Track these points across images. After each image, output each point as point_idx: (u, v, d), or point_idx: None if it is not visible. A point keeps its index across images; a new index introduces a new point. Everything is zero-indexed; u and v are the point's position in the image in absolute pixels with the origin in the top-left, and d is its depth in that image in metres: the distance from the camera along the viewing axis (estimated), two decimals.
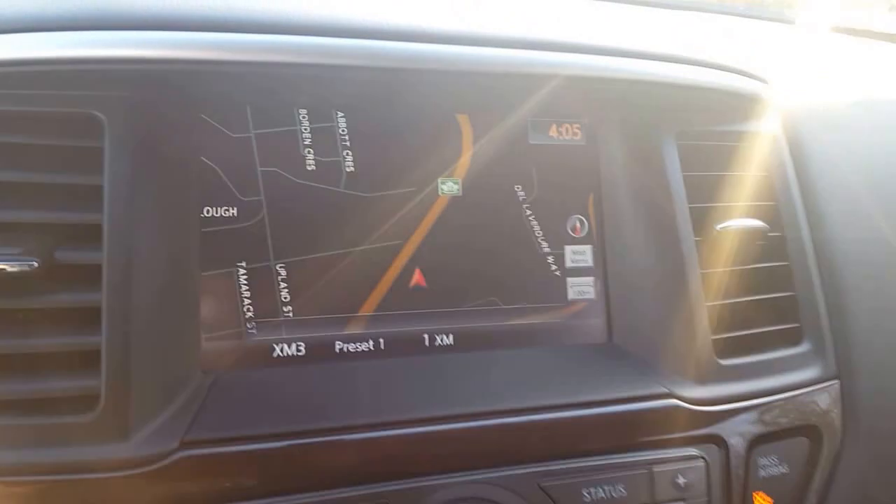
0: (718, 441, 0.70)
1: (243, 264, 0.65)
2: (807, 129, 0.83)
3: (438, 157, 0.72)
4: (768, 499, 0.72)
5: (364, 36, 0.61)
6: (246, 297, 0.66)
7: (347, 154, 0.69)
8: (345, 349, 0.68)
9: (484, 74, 0.65)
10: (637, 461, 0.68)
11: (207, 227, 0.65)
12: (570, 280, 0.75)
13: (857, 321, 0.78)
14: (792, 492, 0.74)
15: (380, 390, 0.64)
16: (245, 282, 0.65)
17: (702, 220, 0.73)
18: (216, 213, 0.65)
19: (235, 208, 0.66)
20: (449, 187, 0.72)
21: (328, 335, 0.68)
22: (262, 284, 0.66)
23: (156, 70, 0.58)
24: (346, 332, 0.68)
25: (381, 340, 0.69)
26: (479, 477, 0.64)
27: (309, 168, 0.68)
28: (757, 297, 0.75)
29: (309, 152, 0.68)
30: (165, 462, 0.55)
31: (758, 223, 0.75)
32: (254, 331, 0.65)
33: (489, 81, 0.66)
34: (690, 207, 0.72)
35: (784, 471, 0.73)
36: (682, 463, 0.69)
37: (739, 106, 0.77)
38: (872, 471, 0.77)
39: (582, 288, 0.75)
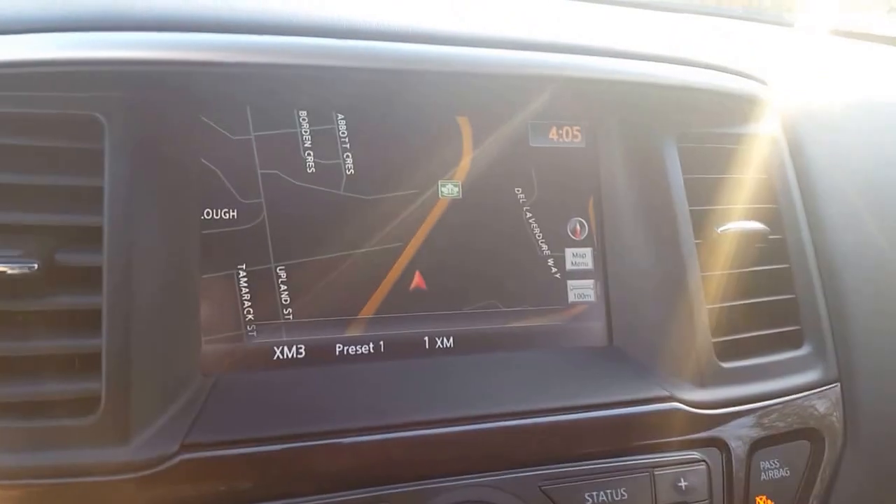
0: (720, 444, 0.70)
1: (243, 267, 0.65)
2: (807, 131, 0.83)
3: (439, 159, 0.72)
4: (770, 502, 0.72)
5: (364, 37, 0.61)
6: (246, 300, 0.65)
7: (348, 156, 0.69)
8: (345, 352, 0.68)
9: (484, 76, 0.65)
10: (638, 464, 0.68)
11: (207, 229, 0.65)
12: (570, 283, 0.75)
13: (857, 324, 0.78)
14: (793, 495, 0.74)
15: (380, 393, 0.64)
16: (245, 284, 0.65)
17: (702, 222, 0.73)
18: (216, 215, 0.65)
19: (235, 210, 0.66)
20: (449, 190, 0.72)
21: (328, 338, 0.68)
22: (263, 287, 0.66)
23: (156, 71, 0.58)
24: (346, 335, 0.68)
25: (382, 343, 0.69)
26: (480, 480, 0.63)
27: (309, 170, 0.68)
28: (757, 300, 0.75)
29: (309, 154, 0.68)
30: (166, 465, 0.55)
31: (758, 225, 0.75)
32: (254, 333, 0.65)
33: (489, 83, 0.66)
34: (691, 210, 0.72)
35: (785, 474, 0.73)
36: (684, 466, 0.69)
37: (739, 108, 0.77)
38: (874, 474, 0.77)
39: (582, 290, 0.75)
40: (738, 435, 0.71)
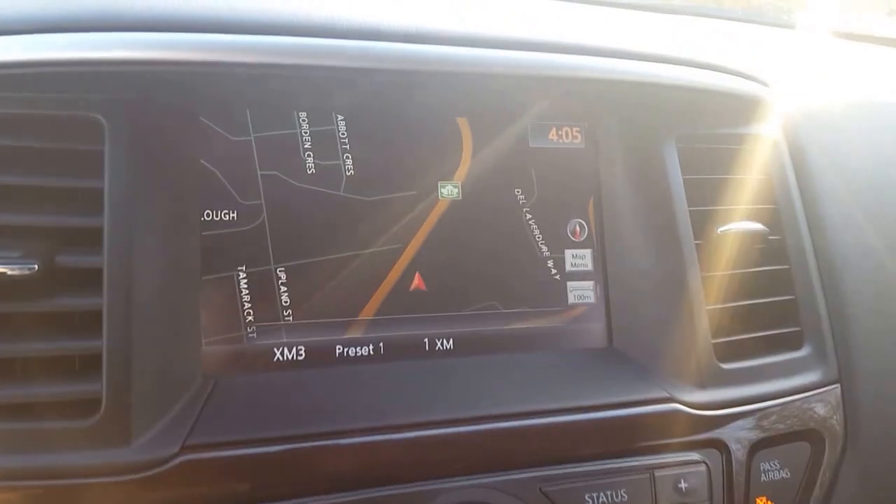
0: (720, 445, 0.70)
1: (243, 268, 0.65)
2: (807, 132, 0.83)
3: (438, 160, 0.72)
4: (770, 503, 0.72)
5: (364, 37, 0.61)
6: (246, 301, 0.65)
7: (347, 157, 0.69)
8: (345, 353, 0.68)
9: (484, 76, 0.65)
10: (638, 466, 0.68)
11: (207, 230, 0.65)
12: (570, 284, 0.75)
13: (857, 324, 0.78)
14: (794, 496, 0.74)
15: (380, 394, 0.64)
16: (245, 286, 0.65)
17: (702, 223, 0.73)
18: (216, 216, 0.65)
19: (235, 212, 0.66)
20: (449, 191, 0.72)
21: (328, 339, 0.68)
22: (263, 288, 0.66)
23: (156, 72, 0.58)
24: (346, 337, 0.68)
25: (382, 344, 0.69)
26: (480, 481, 0.63)
27: (309, 171, 0.68)
28: (757, 301, 0.75)
29: (309, 156, 0.68)
30: (167, 466, 0.55)
31: (758, 226, 0.75)
32: (254, 335, 0.65)
33: (489, 83, 0.66)
34: (690, 210, 0.72)
35: (786, 475, 0.73)
36: (684, 468, 0.69)
37: (740, 109, 0.77)
38: (874, 475, 0.77)
39: (582, 292, 0.75)
40: (738, 436, 0.71)
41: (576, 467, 0.66)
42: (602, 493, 0.66)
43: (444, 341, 0.71)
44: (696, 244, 0.72)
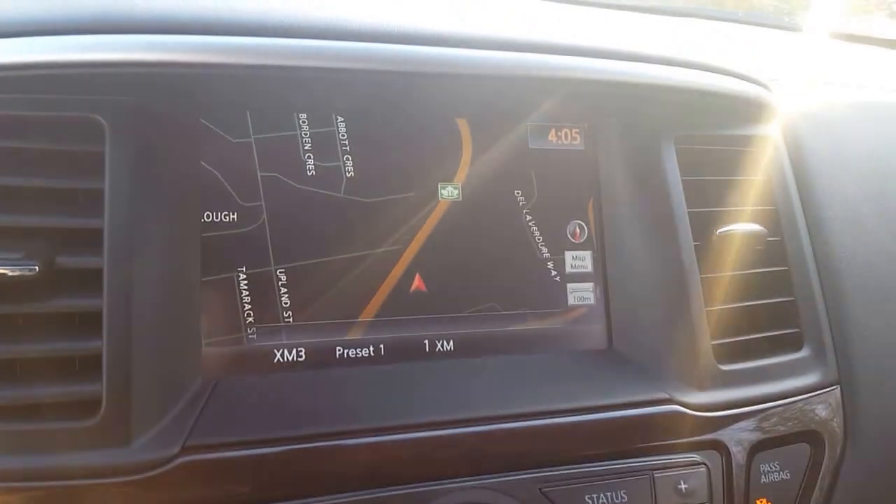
0: (720, 447, 0.70)
1: (243, 269, 0.65)
2: (807, 134, 0.83)
3: (438, 161, 0.72)
4: None
5: (363, 39, 0.61)
6: (246, 303, 0.65)
7: (348, 159, 0.69)
8: (345, 355, 0.68)
9: (484, 77, 0.65)
10: (638, 467, 0.68)
11: (207, 232, 0.65)
12: (570, 285, 0.75)
13: (857, 326, 0.78)
14: (794, 498, 0.74)
15: (380, 396, 0.64)
16: (245, 287, 0.65)
17: (701, 224, 0.73)
18: (216, 218, 0.65)
19: (236, 213, 0.66)
20: (449, 192, 0.72)
21: (328, 341, 0.68)
22: (263, 290, 0.66)
23: (156, 74, 0.58)
24: (346, 338, 0.68)
25: (382, 346, 0.69)
26: (481, 482, 0.64)
27: (309, 173, 0.68)
28: (757, 303, 0.75)
29: (309, 157, 0.68)
30: (167, 467, 0.55)
31: (757, 228, 0.75)
32: (254, 336, 0.65)
33: (489, 85, 0.66)
34: (690, 212, 0.72)
35: (786, 477, 0.73)
36: (684, 469, 0.69)
37: (739, 110, 0.78)
38: (874, 477, 0.77)
39: (582, 293, 0.75)
40: (738, 437, 0.71)
41: (576, 468, 0.66)
42: (602, 494, 0.66)
43: (445, 342, 0.71)
44: (696, 245, 0.72)
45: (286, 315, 0.66)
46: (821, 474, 0.75)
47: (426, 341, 0.70)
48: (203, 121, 0.66)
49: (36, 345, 0.55)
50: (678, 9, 1.11)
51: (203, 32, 0.58)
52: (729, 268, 0.73)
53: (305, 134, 0.68)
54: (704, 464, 0.69)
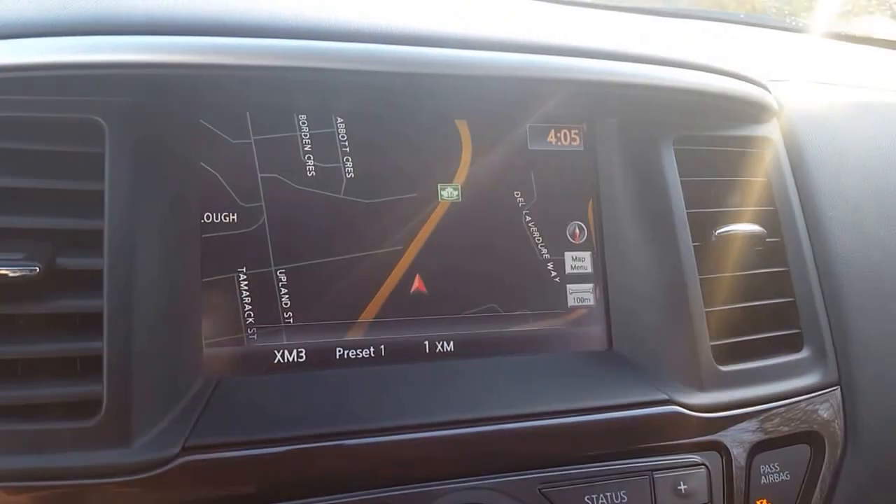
0: (720, 448, 0.70)
1: (244, 270, 0.66)
2: (806, 135, 0.83)
3: (438, 162, 0.72)
4: None
5: (363, 40, 0.61)
6: (247, 303, 0.66)
7: (347, 160, 0.69)
8: (345, 355, 0.68)
9: (483, 78, 0.65)
10: (638, 468, 0.68)
11: (208, 232, 0.65)
12: (569, 286, 0.75)
13: (857, 326, 0.78)
14: (794, 499, 0.74)
15: (380, 396, 0.64)
16: (246, 288, 0.65)
17: (701, 225, 0.73)
18: (216, 218, 0.65)
19: (236, 214, 0.66)
20: (449, 193, 0.72)
21: (329, 341, 0.68)
22: (263, 290, 0.66)
23: (156, 75, 0.58)
24: (346, 339, 0.68)
25: (382, 347, 0.69)
26: (481, 483, 0.64)
27: (309, 174, 0.68)
28: (757, 303, 0.75)
29: (309, 158, 0.68)
30: (167, 467, 0.55)
31: (757, 228, 0.75)
32: (255, 337, 0.66)
33: (489, 86, 0.66)
34: (689, 213, 0.72)
35: (786, 478, 0.73)
36: (684, 470, 0.69)
37: (739, 111, 0.78)
38: (874, 477, 0.77)
39: (581, 294, 0.75)
40: (737, 438, 0.71)
41: (576, 469, 0.66)
42: (602, 495, 0.66)
43: (445, 343, 0.71)
44: (695, 246, 0.72)
45: (286, 316, 0.66)
46: (821, 475, 0.75)
47: (426, 342, 0.70)
48: (203, 122, 0.66)
49: (37, 345, 0.56)
50: (678, 10, 1.11)
51: (202, 34, 0.58)
52: (728, 268, 0.73)
53: (305, 135, 0.69)
54: (704, 464, 0.69)
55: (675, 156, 0.74)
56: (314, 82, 0.63)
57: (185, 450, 0.56)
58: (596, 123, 0.77)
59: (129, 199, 0.58)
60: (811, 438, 0.75)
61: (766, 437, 0.72)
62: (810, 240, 0.79)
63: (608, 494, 0.66)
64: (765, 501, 0.72)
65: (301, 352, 0.67)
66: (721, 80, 0.74)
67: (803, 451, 0.75)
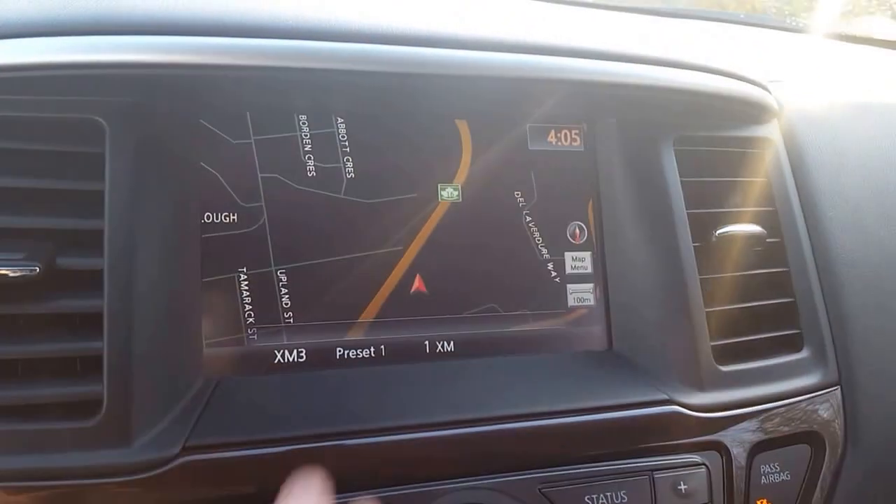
0: (720, 448, 0.71)
1: (244, 270, 0.66)
2: (806, 135, 0.83)
3: (438, 162, 0.72)
4: None
5: (363, 40, 0.62)
6: (247, 303, 0.66)
7: (348, 160, 0.69)
8: (345, 355, 0.68)
9: (484, 79, 0.65)
10: (638, 467, 0.68)
11: (208, 232, 0.65)
12: (569, 286, 0.75)
13: (857, 326, 0.78)
14: (794, 499, 0.74)
15: (380, 396, 0.64)
16: (246, 288, 0.65)
17: (701, 225, 0.73)
18: (216, 218, 0.65)
19: (236, 214, 0.66)
20: (449, 193, 0.72)
21: (329, 341, 0.68)
22: (263, 290, 0.66)
23: (156, 75, 0.58)
24: (346, 339, 0.68)
25: (382, 347, 0.69)
26: (481, 483, 0.64)
27: (310, 174, 0.68)
28: (757, 303, 0.75)
29: (309, 158, 0.68)
30: (168, 467, 0.55)
31: (757, 229, 0.75)
32: (255, 337, 0.66)
33: (489, 86, 0.66)
34: (689, 213, 0.72)
35: (786, 478, 0.73)
36: (684, 469, 0.69)
37: (739, 111, 0.78)
38: (875, 477, 0.77)
39: (582, 294, 0.75)
40: (738, 438, 0.71)
41: (576, 469, 0.66)
42: (602, 495, 0.66)
43: (445, 343, 0.71)
44: (695, 246, 0.72)
45: (287, 316, 0.67)
46: (821, 475, 0.75)
47: (426, 342, 0.70)
48: (203, 122, 0.66)
49: (37, 345, 0.56)
50: (678, 10, 1.11)
51: (203, 34, 0.58)
52: (729, 269, 0.73)
53: (305, 135, 0.69)
54: (704, 464, 0.69)
55: (676, 156, 0.73)
56: (315, 82, 0.63)
57: (186, 450, 0.56)
58: (596, 123, 0.77)
59: (129, 199, 0.58)
60: (811, 438, 0.75)
61: (767, 436, 0.72)
62: (810, 240, 0.79)
63: (608, 494, 0.66)
64: (765, 501, 0.72)
65: (301, 352, 0.67)
66: (721, 80, 0.74)
67: (803, 450, 0.75)
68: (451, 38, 0.64)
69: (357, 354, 0.68)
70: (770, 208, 0.78)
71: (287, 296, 0.67)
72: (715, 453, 0.70)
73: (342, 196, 0.69)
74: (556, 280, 0.75)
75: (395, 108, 0.71)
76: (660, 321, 0.72)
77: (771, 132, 0.80)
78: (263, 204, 0.67)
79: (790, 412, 0.73)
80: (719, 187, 0.76)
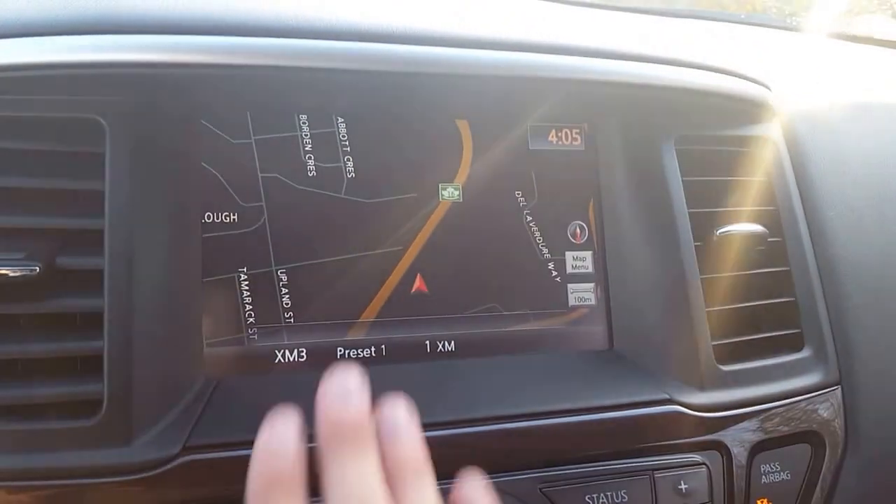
0: (720, 447, 0.70)
1: (244, 270, 0.66)
2: (807, 135, 0.83)
3: (439, 162, 0.72)
4: None
5: (364, 39, 0.61)
6: (247, 303, 0.66)
7: (348, 160, 0.69)
8: (346, 355, 0.68)
9: (484, 77, 0.65)
10: (639, 467, 0.68)
11: (208, 232, 0.65)
12: (570, 286, 0.75)
13: (858, 326, 0.77)
14: (794, 498, 0.74)
15: (381, 396, 0.64)
16: (246, 287, 0.65)
17: (702, 225, 0.73)
18: (217, 218, 0.65)
19: (236, 214, 0.66)
20: (450, 193, 0.72)
21: (330, 341, 0.68)
22: (264, 290, 0.66)
23: (157, 74, 0.58)
24: (347, 338, 0.68)
25: (383, 346, 0.69)
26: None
27: (310, 174, 0.68)
28: (758, 303, 0.75)
29: (310, 158, 0.68)
30: (168, 467, 0.55)
31: (758, 228, 0.74)
32: (255, 337, 0.66)
33: (489, 85, 0.66)
34: (690, 212, 0.72)
35: (786, 478, 0.73)
36: (684, 469, 0.69)
37: (740, 110, 0.77)
38: (875, 477, 0.77)
39: (583, 294, 0.75)
40: (738, 438, 0.71)
41: (576, 468, 0.66)
42: (602, 494, 0.66)
43: (446, 343, 0.71)
44: (696, 246, 0.72)
45: (287, 315, 0.67)
46: (821, 475, 0.74)
47: (427, 342, 0.70)
48: (203, 121, 0.66)
49: (37, 345, 0.56)
50: (678, 10, 1.11)
51: (202, 33, 0.58)
52: (729, 268, 0.73)
53: (306, 135, 0.69)
54: (705, 464, 0.69)
55: (677, 155, 0.73)
56: (315, 82, 0.63)
57: (186, 449, 0.56)
58: (597, 123, 0.77)
59: (129, 198, 0.58)
60: (812, 438, 0.75)
61: (767, 436, 0.72)
62: (811, 239, 0.79)
63: (609, 494, 0.66)
64: (765, 501, 0.72)
65: (302, 351, 0.67)
66: (722, 79, 0.74)
67: (804, 450, 0.75)
68: (452, 37, 0.64)
69: (358, 354, 0.68)
70: (771, 208, 0.78)
71: (287, 295, 0.67)
72: (715, 453, 0.70)
73: (343, 196, 0.69)
74: (557, 279, 0.75)
75: (396, 108, 0.71)
76: (661, 321, 0.71)
77: (772, 131, 0.80)
78: (264, 204, 0.67)
79: (790, 412, 0.73)
80: (720, 186, 0.76)
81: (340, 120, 0.70)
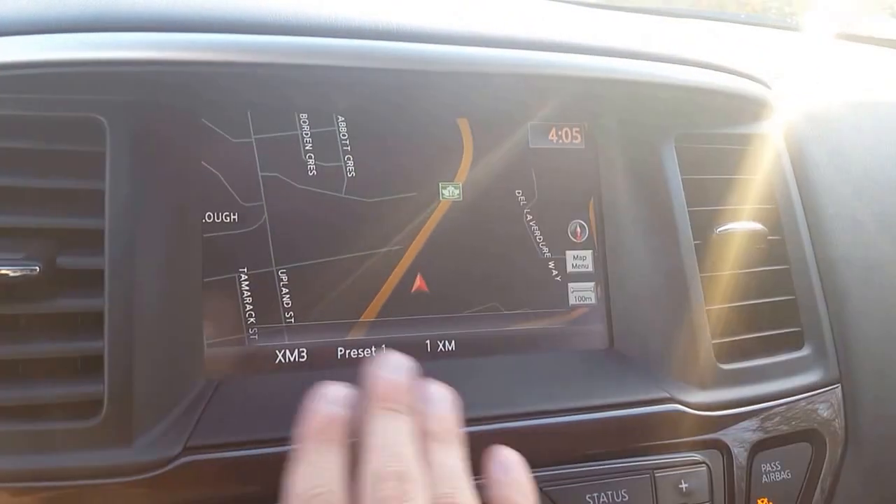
0: (721, 446, 0.70)
1: (245, 270, 0.66)
2: (807, 133, 0.83)
3: (439, 161, 0.72)
4: None
5: (364, 36, 0.61)
6: (248, 304, 0.66)
7: (349, 159, 0.69)
8: (347, 355, 0.68)
9: (484, 76, 0.65)
10: (639, 466, 0.68)
11: (208, 232, 0.65)
12: (571, 285, 0.75)
13: (858, 324, 0.77)
14: (795, 497, 0.74)
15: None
16: (247, 288, 0.65)
17: (702, 223, 0.73)
18: (217, 218, 0.65)
19: (236, 214, 0.66)
20: (450, 192, 0.72)
21: (330, 341, 0.68)
22: (264, 290, 0.66)
23: (157, 73, 0.58)
24: (348, 338, 0.68)
25: (384, 346, 0.69)
26: (481, 481, 0.63)
27: (310, 173, 0.68)
28: (757, 301, 0.75)
29: (310, 157, 0.68)
30: (168, 467, 0.55)
31: (758, 226, 0.75)
32: (256, 337, 0.65)
33: (490, 83, 0.66)
34: (690, 211, 0.72)
35: (787, 476, 0.73)
36: (685, 468, 0.69)
37: (740, 109, 0.77)
38: (875, 476, 0.77)
39: (583, 293, 0.75)
40: (739, 437, 0.71)
41: (577, 468, 0.66)
42: (603, 494, 0.66)
43: (446, 342, 0.71)
44: (696, 244, 0.72)
45: (288, 316, 0.66)
46: (822, 473, 0.74)
47: (427, 341, 0.70)
48: (204, 120, 0.66)
49: (37, 345, 0.55)
50: (678, 10, 1.11)
51: (203, 30, 0.58)
52: (729, 266, 0.73)
53: (306, 134, 0.69)
54: (705, 463, 0.69)
55: (676, 153, 0.73)
56: (315, 80, 0.63)
57: (187, 450, 0.56)
58: (597, 121, 0.77)
59: (130, 198, 0.58)
60: (812, 437, 0.75)
61: (767, 435, 0.72)
62: (811, 238, 0.79)
63: (609, 493, 0.66)
64: (766, 500, 0.72)
65: (302, 352, 0.67)
66: (722, 77, 0.74)
67: (804, 449, 0.75)
68: (452, 35, 0.64)
69: (359, 354, 0.68)
70: (771, 206, 0.78)
71: (288, 295, 0.66)
72: (716, 452, 0.70)
73: (343, 195, 0.69)
74: (558, 279, 0.75)
75: (396, 107, 0.71)
76: (661, 319, 0.71)
77: (771, 129, 0.80)
78: (264, 203, 0.67)
79: (791, 410, 0.73)
80: (720, 185, 0.76)
81: (341, 119, 0.70)
